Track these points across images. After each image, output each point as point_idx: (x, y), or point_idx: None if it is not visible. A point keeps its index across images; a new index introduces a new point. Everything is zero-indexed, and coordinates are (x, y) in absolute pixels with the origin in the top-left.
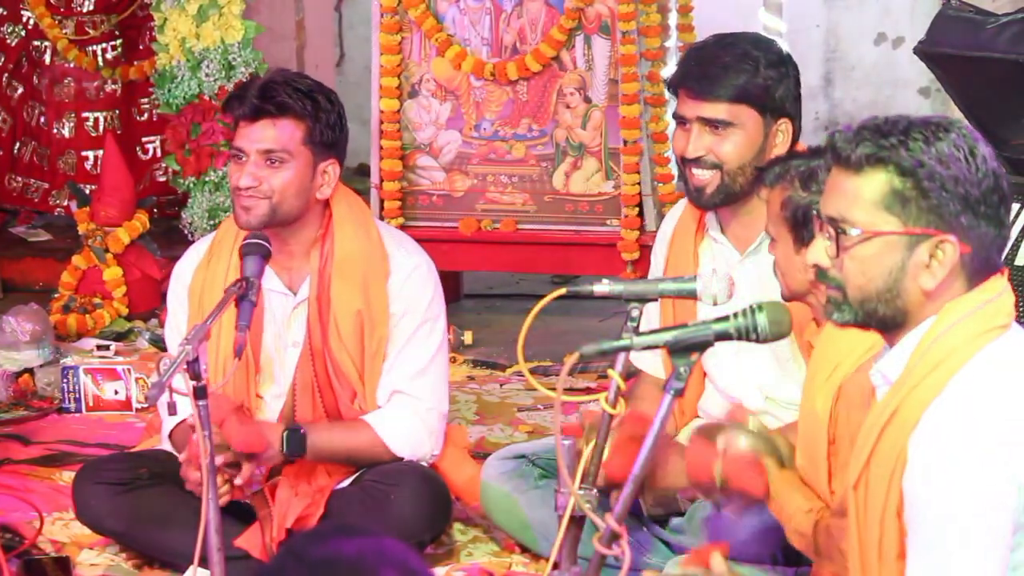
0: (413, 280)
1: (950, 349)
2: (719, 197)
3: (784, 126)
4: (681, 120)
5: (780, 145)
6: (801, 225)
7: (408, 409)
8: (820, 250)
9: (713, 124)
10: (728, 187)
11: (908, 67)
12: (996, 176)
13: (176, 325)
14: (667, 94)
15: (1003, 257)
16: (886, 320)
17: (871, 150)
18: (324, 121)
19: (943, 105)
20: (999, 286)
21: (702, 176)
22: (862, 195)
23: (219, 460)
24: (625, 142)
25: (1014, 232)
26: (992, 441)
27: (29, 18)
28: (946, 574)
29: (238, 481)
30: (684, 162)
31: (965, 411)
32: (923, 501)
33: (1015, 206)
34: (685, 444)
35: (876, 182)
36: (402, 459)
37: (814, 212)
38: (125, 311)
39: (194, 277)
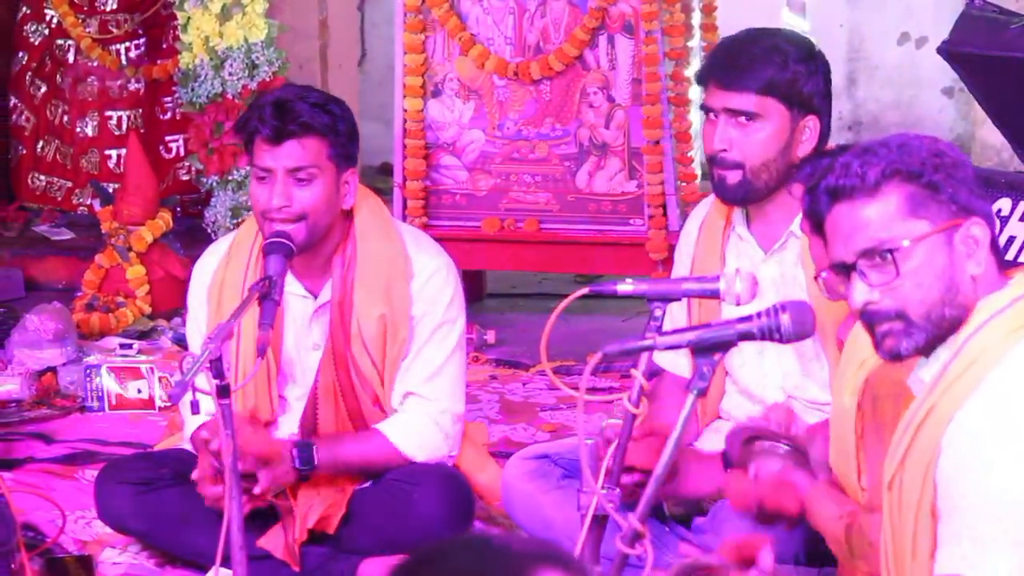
0: (433, 282)
1: (984, 347)
2: (741, 192)
3: (812, 122)
4: (708, 112)
5: (807, 142)
6: None
7: (421, 411)
8: (862, 289)
9: (739, 115)
10: (751, 184)
11: (931, 67)
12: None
13: (196, 324)
14: (691, 93)
15: None
16: (953, 323)
17: (881, 167)
18: (343, 133)
19: (967, 105)
20: None
21: (724, 173)
22: (886, 214)
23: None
24: (649, 142)
25: None
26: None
27: (52, 17)
28: (979, 562)
29: (256, 491)
30: (710, 160)
31: (1002, 405)
32: (957, 489)
33: None
34: (701, 449)
35: (892, 196)
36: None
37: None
38: (148, 310)
39: (213, 277)
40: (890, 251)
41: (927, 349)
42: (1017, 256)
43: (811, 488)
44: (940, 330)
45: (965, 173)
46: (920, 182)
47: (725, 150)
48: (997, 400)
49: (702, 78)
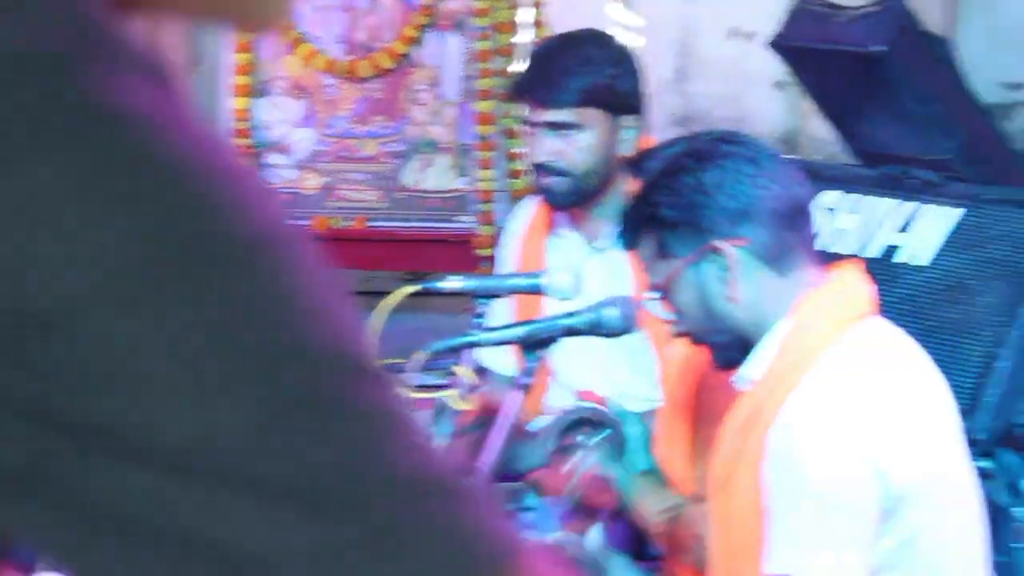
0: None
1: (807, 343)
2: (571, 198)
3: (632, 121)
4: (530, 124)
5: (629, 140)
6: None
7: None
8: (675, 323)
9: (559, 128)
10: (580, 190)
11: (762, 61)
12: (723, 170)
13: None
14: None
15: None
16: (737, 343)
17: (625, 235)
18: None
19: (796, 98)
20: (852, 277)
21: (550, 181)
22: (646, 263)
23: None
24: (480, 138)
25: (862, 224)
26: (847, 422)
27: None
28: (806, 562)
29: None
30: (536, 168)
31: (821, 396)
32: (781, 489)
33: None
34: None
35: (644, 247)
36: None
37: None
38: None
39: None
40: (654, 297)
41: (738, 363)
42: (845, 249)
43: (634, 481)
44: (733, 349)
45: (713, 199)
46: (655, 226)
47: (550, 160)
48: (814, 399)
49: (518, 94)
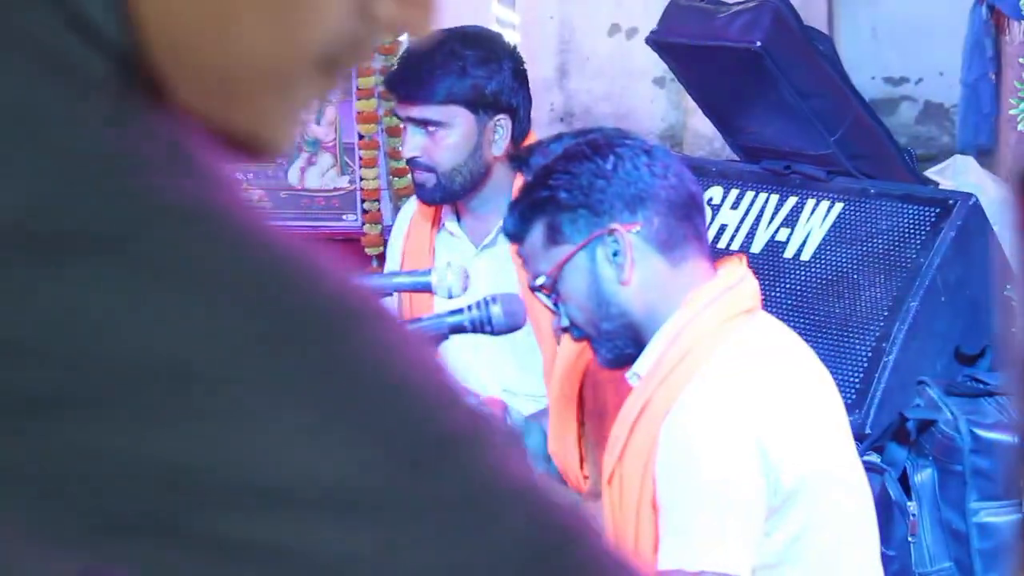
0: None
1: (697, 337)
2: (438, 194)
3: (502, 120)
4: (400, 120)
5: (500, 139)
6: None
7: None
8: (561, 315)
9: (425, 124)
10: (446, 187)
11: (642, 58)
12: (620, 158)
13: None
14: None
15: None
16: (624, 332)
17: (514, 224)
18: None
19: (677, 95)
20: (739, 272)
21: (420, 176)
22: (535, 253)
23: None
24: (361, 136)
25: (745, 220)
26: (738, 418)
27: None
28: (698, 555)
29: None
30: (408, 163)
31: (712, 397)
32: (673, 483)
33: (738, 193)
34: None
35: (532, 236)
36: None
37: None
38: None
39: None
40: (541, 286)
41: (625, 358)
42: (729, 244)
43: None
44: (622, 339)
45: (608, 185)
46: (549, 212)
47: (418, 156)
48: (707, 393)
49: (389, 89)
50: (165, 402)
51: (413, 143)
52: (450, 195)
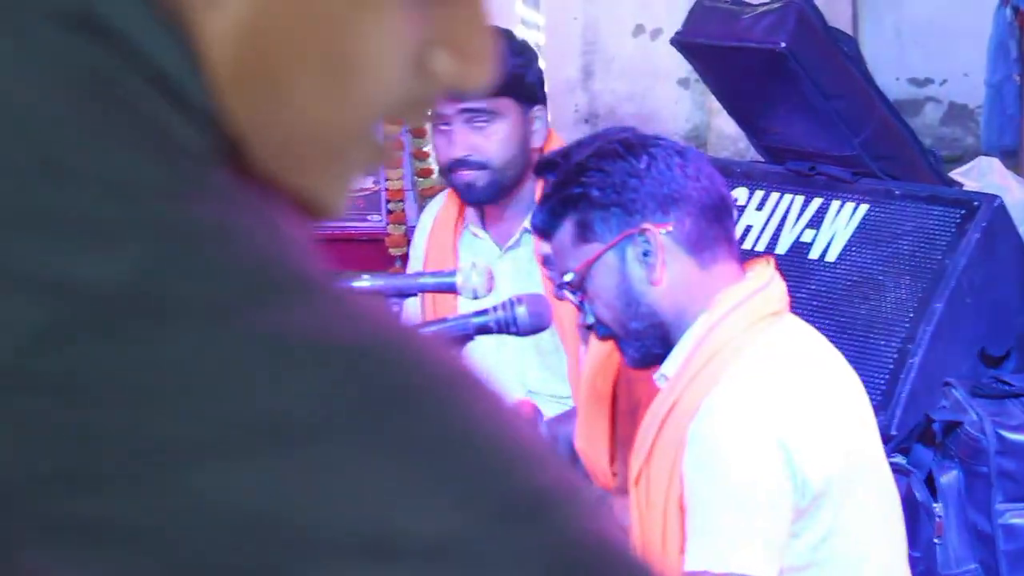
0: None
1: (726, 339)
2: (490, 192)
3: (539, 112)
4: (441, 121)
5: (539, 132)
6: None
7: None
8: (586, 312)
9: (476, 116)
10: (499, 183)
11: (667, 58)
12: (654, 157)
13: None
14: None
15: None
16: (652, 332)
17: (543, 219)
18: None
19: (702, 95)
20: (768, 274)
21: (469, 176)
22: (563, 250)
23: None
24: (388, 137)
25: (770, 221)
26: (767, 419)
27: None
28: (725, 555)
29: None
30: (450, 167)
31: (741, 398)
32: (701, 483)
33: (763, 194)
34: None
35: (561, 233)
36: None
37: None
38: None
39: None
40: (568, 284)
41: (652, 358)
42: (755, 245)
43: None
44: (650, 339)
45: (641, 183)
46: (581, 208)
47: (469, 155)
48: (736, 394)
49: None
50: (272, 454)
51: (463, 142)
52: (501, 192)
